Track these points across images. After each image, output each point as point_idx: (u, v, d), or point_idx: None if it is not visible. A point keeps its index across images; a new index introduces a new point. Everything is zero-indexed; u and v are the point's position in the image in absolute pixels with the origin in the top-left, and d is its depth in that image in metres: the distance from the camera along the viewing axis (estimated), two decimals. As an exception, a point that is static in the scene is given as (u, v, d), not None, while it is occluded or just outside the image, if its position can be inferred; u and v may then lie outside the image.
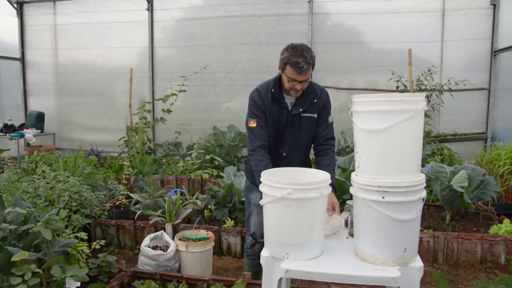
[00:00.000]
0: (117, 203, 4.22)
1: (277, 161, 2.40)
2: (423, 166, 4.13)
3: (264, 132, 2.37)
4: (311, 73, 2.25)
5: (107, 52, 7.62)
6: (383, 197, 1.62)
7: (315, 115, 2.40)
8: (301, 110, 2.36)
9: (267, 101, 2.36)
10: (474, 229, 3.75)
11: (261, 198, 2.51)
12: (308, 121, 2.39)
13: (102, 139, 7.46)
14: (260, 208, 2.55)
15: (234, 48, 6.94)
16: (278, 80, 2.38)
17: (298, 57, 2.16)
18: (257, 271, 2.67)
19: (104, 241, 3.18)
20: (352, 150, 4.89)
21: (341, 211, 2.20)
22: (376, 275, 1.60)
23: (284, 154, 2.43)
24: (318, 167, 2.43)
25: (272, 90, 2.36)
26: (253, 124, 2.37)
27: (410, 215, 1.64)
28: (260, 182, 1.84)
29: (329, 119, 2.46)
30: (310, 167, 2.57)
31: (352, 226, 1.92)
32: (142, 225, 3.73)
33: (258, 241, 2.40)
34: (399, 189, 1.61)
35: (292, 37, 6.64)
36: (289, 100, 2.39)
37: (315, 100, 2.38)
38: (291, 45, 2.24)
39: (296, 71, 2.17)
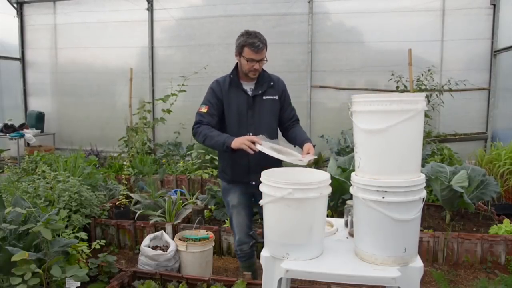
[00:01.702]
0: (117, 203, 4.22)
1: None
2: (423, 166, 4.13)
3: (212, 118, 2.53)
4: (265, 54, 2.48)
5: (107, 52, 7.62)
6: (383, 197, 1.61)
7: (276, 97, 2.59)
8: (260, 92, 2.54)
9: (225, 89, 2.55)
10: (474, 229, 3.75)
11: (237, 198, 2.57)
12: (271, 103, 2.56)
13: (102, 139, 7.46)
14: (239, 208, 2.60)
15: (234, 48, 6.91)
16: (235, 69, 2.58)
17: (253, 38, 2.43)
18: (252, 271, 2.67)
19: (104, 241, 3.19)
20: (352, 150, 4.89)
21: (341, 211, 2.20)
22: (376, 275, 1.60)
23: (250, 135, 2.46)
24: (290, 136, 2.61)
25: (231, 76, 2.56)
26: (204, 109, 2.55)
27: (410, 215, 1.64)
28: (221, 147, 2.28)
29: (292, 104, 2.67)
30: None
31: (352, 226, 1.92)
32: (142, 225, 3.73)
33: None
34: (399, 189, 1.61)
35: (292, 36, 6.67)
36: (248, 86, 2.57)
37: (272, 83, 2.58)
38: (245, 31, 2.49)
39: (253, 50, 2.41)
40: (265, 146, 2.22)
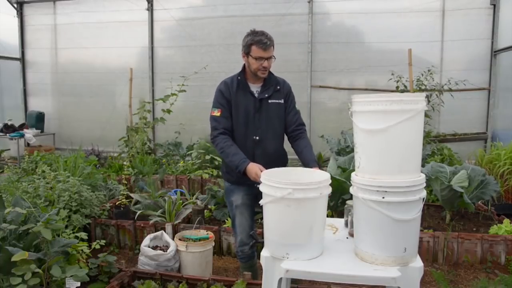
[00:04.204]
0: (117, 203, 4.22)
1: (251, 147, 2.50)
2: (423, 166, 4.13)
3: (227, 121, 2.52)
4: (273, 51, 2.46)
5: (107, 52, 7.61)
6: (383, 197, 1.62)
7: (282, 101, 2.57)
8: (266, 95, 2.53)
9: (233, 90, 2.52)
10: (474, 229, 3.75)
11: (241, 199, 2.57)
12: (276, 107, 2.55)
13: (102, 139, 7.45)
14: (242, 209, 2.60)
15: (234, 48, 6.93)
16: (242, 70, 2.57)
17: (260, 36, 2.41)
18: (252, 271, 2.67)
19: (104, 241, 3.18)
20: (352, 150, 4.89)
21: (341, 211, 2.20)
22: (376, 275, 1.60)
23: (257, 138, 2.51)
24: (297, 150, 2.56)
25: (239, 77, 2.54)
26: (217, 113, 2.52)
27: (410, 215, 1.64)
28: (234, 168, 2.24)
29: (296, 107, 2.64)
30: (285, 155, 2.68)
31: (352, 226, 1.92)
32: (142, 225, 3.73)
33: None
34: (399, 189, 1.61)
35: (292, 37, 6.67)
36: (255, 88, 2.55)
37: (278, 87, 2.57)
38: (251, 30, 2.47)
39: (261, 47, 2.39)
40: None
